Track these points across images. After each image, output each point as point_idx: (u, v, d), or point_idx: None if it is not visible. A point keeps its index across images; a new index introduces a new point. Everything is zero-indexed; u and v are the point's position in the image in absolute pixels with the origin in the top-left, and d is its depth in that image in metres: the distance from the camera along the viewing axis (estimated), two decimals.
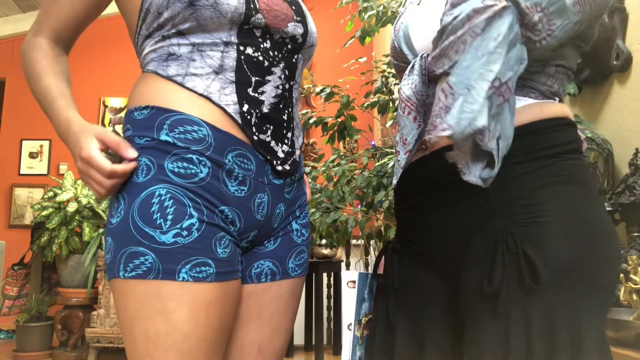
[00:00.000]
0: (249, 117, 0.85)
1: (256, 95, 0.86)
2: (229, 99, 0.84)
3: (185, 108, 0.82)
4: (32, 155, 5.00)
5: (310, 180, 2.51)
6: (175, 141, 0.81)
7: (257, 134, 0.86)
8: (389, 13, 2.25)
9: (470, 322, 0.77)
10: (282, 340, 0.96)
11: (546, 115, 0.79)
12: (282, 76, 0.90)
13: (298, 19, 0.93)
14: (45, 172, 4.91)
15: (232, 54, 0.85)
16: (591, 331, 0.70)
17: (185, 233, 0.78)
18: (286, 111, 0.92)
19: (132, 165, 0.80)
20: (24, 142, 5.00)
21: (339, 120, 2.39)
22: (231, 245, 0.84)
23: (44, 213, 3.54)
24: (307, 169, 2.57)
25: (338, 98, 2.37)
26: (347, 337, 0.92)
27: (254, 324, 0.93)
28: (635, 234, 1.42)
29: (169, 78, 0.84)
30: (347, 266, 3.82)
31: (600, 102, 1.77)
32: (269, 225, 0.92)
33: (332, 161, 2.47)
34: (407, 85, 0.88)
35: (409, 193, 0.90)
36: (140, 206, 0.78)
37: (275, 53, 0.89)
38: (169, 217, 0.78)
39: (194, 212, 0.79)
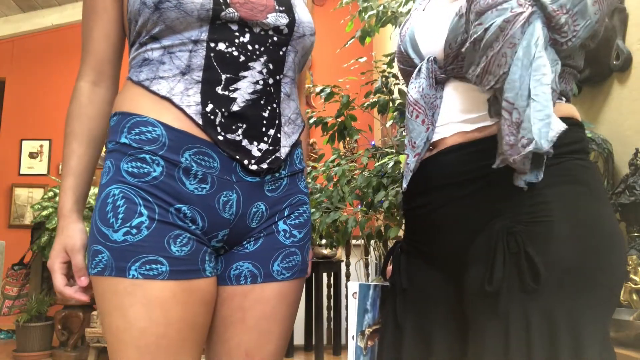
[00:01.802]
0: (212, 116, 0.84)
1: (226, 93, 0.84)
2: (191, 99, 0.84)
3: (145, 111, 0.84)
4: (32, 155, 4.99)
5: (310, 180, 2.51)
6: (131, 142, 0.83)
7: (223, 133, 0.84)
8: (389, 13, 2.25)
9: (473, 322, 0.78)
10: (273, 346, 0.92)
11: None
12: (265, 70, 0.88)
13: (281, 8, 0.89)
14: (45, 172, 4.91)
15: (201, 52, 0.84)
16: (593, 331, 0.71)
17: (134, 231, 0.80)
18: (268, 107, 0.89)
19: (78, 296, 0.87)
20: (24, 142, 5.00)
21: (339, 120, 2.39)
22: (192, 243, 0.83)
23: (44, 213, 3.54)
24: (307, 169, 2.56)
25: (338, 98, 2.36)
26: (351, 348, 0.93)
27: (239, 328, 0.90)
28: (635, 234, 1.42)
29: (139, 83, 0.86)
30: (347, 266, 3.82)
31: (600, 102, 1.77)
32: (244, 225, 0.89)
33: (332, 161, 2.47)
34: (415, 89, 0.89)
35: (416, 193, 0.91)
36: (99, 206, 0.83)
37: (256, 47, 0.87)
38: (120, 215, 0.80)
39: (144, 211, 0.80)
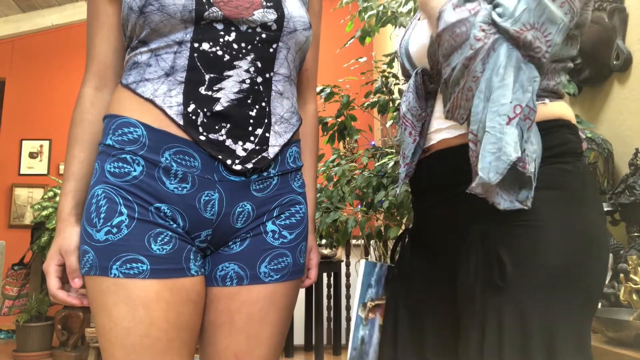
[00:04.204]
0: (194, 117, 0.83)
1: (210, 93, 0.84)
2: (174, 100, 0.84)
3: (128, 112, 0.85)
4: (32, 155, 4.99)
5: None
6: (114, 143, 0.84)
7: (205, 133, 0.84)
8: (389, 13, 2.25)
9: (461, 317, 0.81)
10: (264, 350, 0.90)
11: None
12: (252, 69, 0.86)
13: (269, 4, 0.88)
14: (45, 172, 4.91)
15: (185, 53, 0.84)
16: (568, 333, 0.72)
17: (115, 230, 0.81)
18: (256, 106, 0.87)
19: (70, 300, 0.87)
20: (24, 142, 5.00)
21: (339, 120, 2.39)
22: (174, 242, 0.83)
23: (44, 213, 3.54)
24: None
25: (338, 98, 2.37)
26: (353, 318, 0.99)
27: (227, 330, 0.89)
28: (635, 234, 1.42)
29: (127, 86, 0.87)
30: (347, 266, 3.82)
31: (600, 102, 1.77)
32: (228, 225, 0.88)
33: (332, 161, 2.48)
34: (404, 102, 0.93)
35: (415, 192, 0.96)
36: (86, 207, 0.85)
37: (242, 45, 0.86)
38: (102, 215, 0.82)
39: (124, 210, 0.81)
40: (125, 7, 0.85)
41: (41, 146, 5.00)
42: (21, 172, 4.97)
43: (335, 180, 2.29)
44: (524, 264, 0.73)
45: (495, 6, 0.73)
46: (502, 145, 0.69)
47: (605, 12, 1.66)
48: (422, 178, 0.91)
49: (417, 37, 0.94)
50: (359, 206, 2.34)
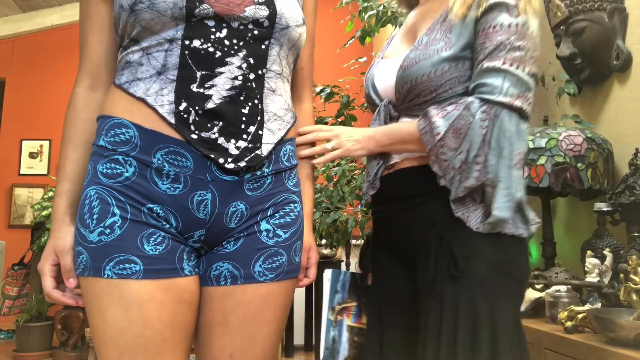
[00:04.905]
0: (185, 115, 0.83)
1: (201, 90, 0.83)
2: (165, 99, 0.83)
3: (120, 113, 0.85)
4: (32, 155, 4.99)
5: None
6: (107, 144, 0.84)
7: (196, 132, 0.83)
8: (389, 13, 2.26)
9: (421, 305, 0.94)
10: (259, 349, 0.90)
11: None
12: (244, 65, 0.86)
13: (261, 1, 0.87)
14: (45, 172, 4.91)
15: (176, 50, 0.84)
16: (506, 313, 0.89)
17: (107, 231, 0.81)
18: (249, 103, 0.87)
19: (65, 299, 0.88)
20: (24, 142, 5.00)
21: (339, 120, 2.39)
22: (167, 242, 0.83)
23: (44, 213, 3.54)
24: None
25: (338, 98, 2.37)
26: (324, 321, 1.11)
27: (221, 331, 0.89)
28: (635, 234, 1.41)
29: (119, 86, 0.87)
30: (347, 266, 3.82)
31: (600, 102, 1.77)
32: (221, 225, 0.87)
33: (332, 161, 2.47)
34: (373, 127, 1.06)
35: (376, 202, 1.08)
36: (79, 208, 0.85)
37: (234, 42, 0.85)
38: (95, 216, 0.82)
39: (116, 211, 0.81)
40: (117, 5, 0.85)
41: (41, 146, 5.00)
42: (21, 172, 4.97)
43: (335, 180, 2.29)
44: (471, 260, 0.90)
45: (478, 87, 0.91)
46: (512, 192, 0.89)
47: (605, 12, 1.66)
48: (385, 190, 1.04)
49: (383, 75, 1.07)
50: (359, 206, 2.34)
